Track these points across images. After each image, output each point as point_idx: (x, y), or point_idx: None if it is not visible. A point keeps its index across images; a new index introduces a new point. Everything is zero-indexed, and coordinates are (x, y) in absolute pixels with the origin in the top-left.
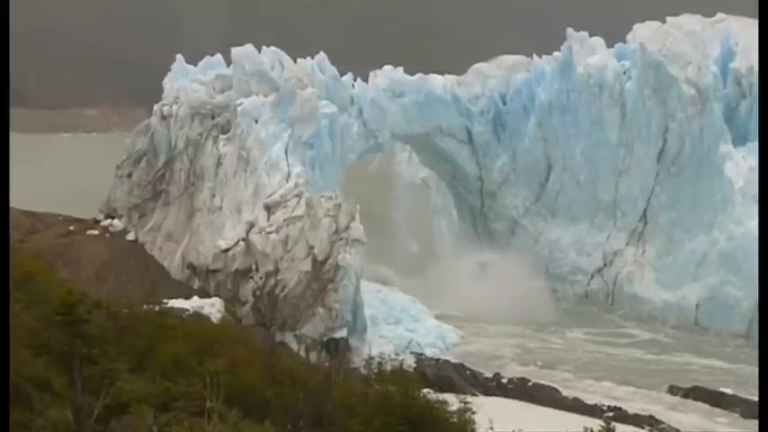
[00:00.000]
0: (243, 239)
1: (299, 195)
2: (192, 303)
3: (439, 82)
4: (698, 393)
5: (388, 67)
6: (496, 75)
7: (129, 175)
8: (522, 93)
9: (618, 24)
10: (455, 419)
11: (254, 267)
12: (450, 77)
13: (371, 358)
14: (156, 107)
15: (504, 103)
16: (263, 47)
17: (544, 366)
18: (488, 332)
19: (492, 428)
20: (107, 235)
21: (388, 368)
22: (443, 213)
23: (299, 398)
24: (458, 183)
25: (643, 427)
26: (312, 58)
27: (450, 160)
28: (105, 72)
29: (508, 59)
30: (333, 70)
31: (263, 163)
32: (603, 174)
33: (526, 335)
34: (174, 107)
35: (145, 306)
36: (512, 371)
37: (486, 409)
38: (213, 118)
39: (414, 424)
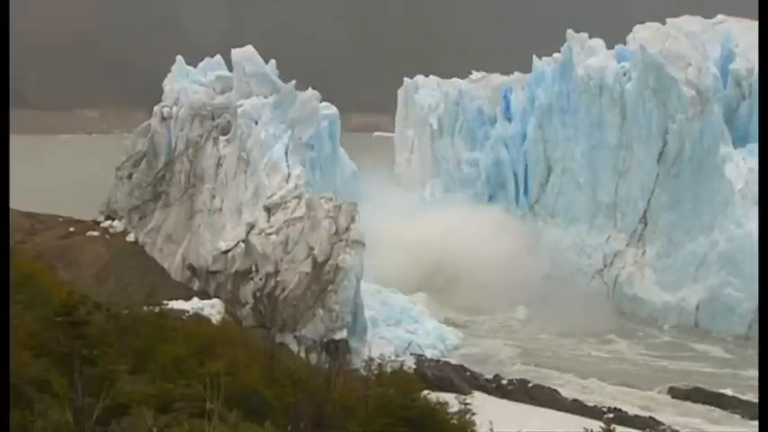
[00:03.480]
0: (243, 241)
1: (299, 197)
2: (192, 305)
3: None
4: (698, 395)
5: None
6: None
7: (130, 177)
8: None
9: (618, 26)
10: (455, 421)
11: (254, 269)
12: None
13: (371, 360)
14: (156, 108)
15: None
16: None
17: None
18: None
19: (492, 430)
20: (107, 236)
21: (389, 369)
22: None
23: (300, 399)
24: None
25: (643, 429)
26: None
27: None
28: (105, 73)
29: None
30: None
31: (263, 164)
32: (603, 175)
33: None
34: (175, 108)
35: (145, 307)
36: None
37: (486, 410)
38: (213, 119)
39: (414, 425)
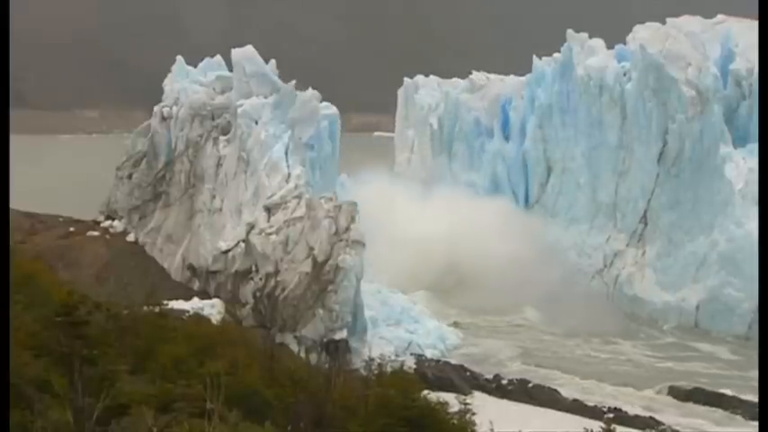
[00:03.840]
0: (243, 241)
1: (299, 197)
2: (192, 305)
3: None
4: (699, 395)
5: None
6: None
7: (130, 177)
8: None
9: (618, 26)
10: (455, 421)
11: (254, 269)
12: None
13: (372, 360)
14: (156, 108)
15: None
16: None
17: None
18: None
19: (492, 430)
20: (107, 236)
21: (389, 369)
22: None
23: (300, 399)
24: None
25: (643, 429)
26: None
27: None
28: (105, 73)
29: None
30: None
31: (263, 164)
32: (603, 175)
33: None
34: (175, 108)
35: (145, 307)
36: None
37: (486, 410)
38: (213, 119)
39: (414, 425)
